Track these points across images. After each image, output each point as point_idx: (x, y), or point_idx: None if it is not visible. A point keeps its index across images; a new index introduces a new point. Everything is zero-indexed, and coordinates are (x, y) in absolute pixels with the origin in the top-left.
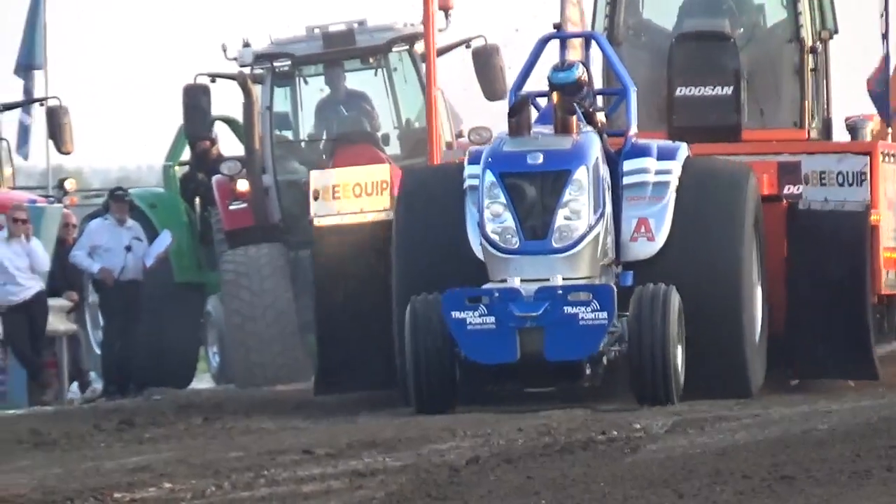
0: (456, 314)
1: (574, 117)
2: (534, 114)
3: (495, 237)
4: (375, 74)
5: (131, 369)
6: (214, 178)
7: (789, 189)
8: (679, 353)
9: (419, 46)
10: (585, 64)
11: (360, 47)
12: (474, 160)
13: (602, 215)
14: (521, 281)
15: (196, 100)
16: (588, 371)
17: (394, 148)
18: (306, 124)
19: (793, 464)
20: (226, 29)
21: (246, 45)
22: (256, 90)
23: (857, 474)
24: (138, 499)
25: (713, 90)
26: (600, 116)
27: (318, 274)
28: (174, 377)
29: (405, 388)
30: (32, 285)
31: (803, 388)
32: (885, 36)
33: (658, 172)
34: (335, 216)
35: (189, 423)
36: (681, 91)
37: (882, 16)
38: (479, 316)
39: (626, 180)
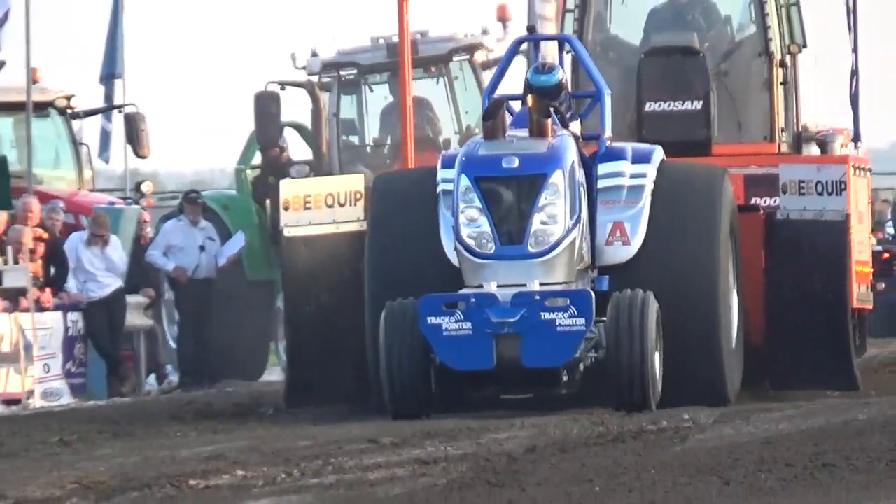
0: (432, 320)
1: (550, 120)
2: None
3: (471, 242)
4: (437, 82)
5: (205, 362)
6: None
7: (756, 201)
8: (657, 359)
9: (479, 56)
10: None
11: (423, 56)
12: (447, 164)
13: (578, 220)
14: (498, 286)
15: (266, 107)
16: (565, 378)
17: None
18: (371, 130)
19: (833, 452)
20: (295, 39)
21: (314, 54)
22: (324, 97)
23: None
24: (212, 485)
25: (682, 105)
26: (575, 124)
27: (287, 286)
28: (246, 370)
29: (380, 395)
30: (111, 283)
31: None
32: (854, 50)
33: (633, 176)
34: (306, 227)
35: (260, 413)
36: (650, 106)
37: (850, 31)
38: (455, 322)
39: (600, 184)
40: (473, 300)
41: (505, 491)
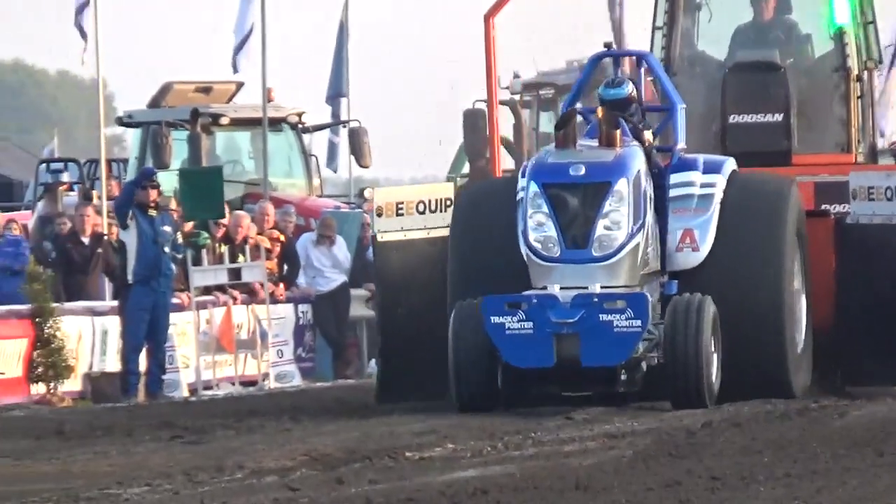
0: (495, 319)
1: (618, 131)
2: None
3: (537, 245)
4: None
5: None
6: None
7: (824, 207)
8: (714, 360)
9: None
10: (636, 82)
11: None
12: (525, 173)
13: (642, 226)
14: (561, 288)
15: (474, 122)
16: (624, 377)
17: None
18: None
19: None
20: (500, 62)
21: (516, 76)
22: (525, 114)
23: None
24: (426, 457)
25: (764, 117)
26: (648, 133)
27: (381, 289)
28: None
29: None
30: (337, 278)
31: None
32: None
33: (703, 185)
34: (399, 232)
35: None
36: (734, 118)
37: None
38: (518, 321)
39: (672, 193)
40: (535, 301)
41: (684, 462)
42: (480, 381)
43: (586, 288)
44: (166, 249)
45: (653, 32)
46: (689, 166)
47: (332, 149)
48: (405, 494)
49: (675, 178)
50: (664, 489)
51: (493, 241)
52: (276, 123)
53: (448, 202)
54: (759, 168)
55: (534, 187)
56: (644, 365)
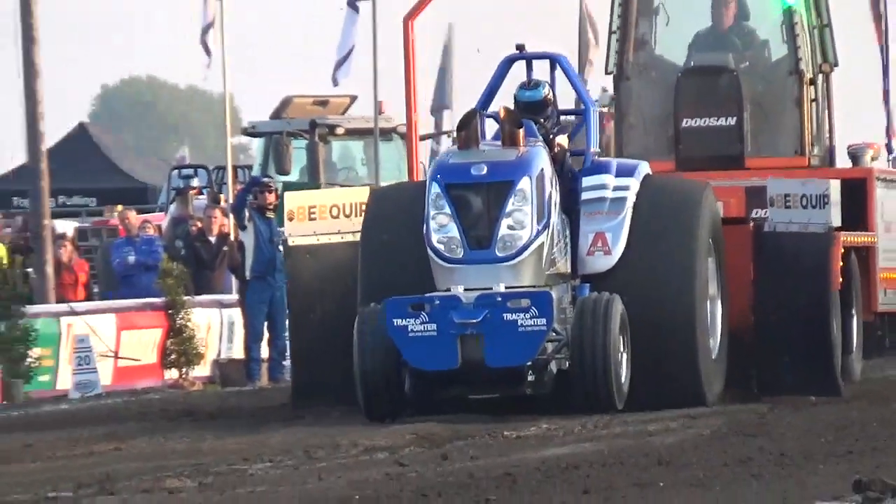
0: (398, 321)
1: (521, 130)
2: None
3: (440, 247)
4: None
5: None
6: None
7: (758, 212)
8: (623, 360)
9: None
10: (551, 84)
11: None
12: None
13: (547, 226)
14: (466, 290)
15: None
16: (532, 378)
17: None
18: None
19: None
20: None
21: (604, 90)
22: None
23: None
24: (522, 436)
25: (717, 121)
26: (563, 138)
27: (291, 293)
28: None
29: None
30: None
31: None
32: (885, 70)
33: (616, 189)
34: (311, 237)
35: None
36: (687, 122)
37: (882, 50)
38: (421, 323)
39: (584, 196)
40: (438, 302)
41: (755, 440)
42: (386, 387)
43: (490, 288)
44: (281, 248)
45: (609, 37)
46: (601, 169)
47: (434, 157)
48: (503, 469)
49: (587, 182)
50: (737, 465)
51: (402, 244)
52: (386, 133)
53: (363, 207)
54: (712, 172)
55: (436, 188)
56: (553, 367)
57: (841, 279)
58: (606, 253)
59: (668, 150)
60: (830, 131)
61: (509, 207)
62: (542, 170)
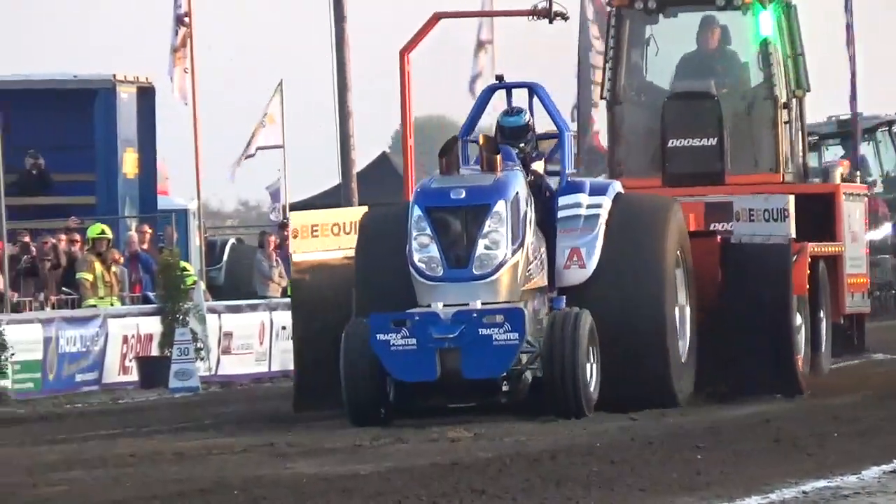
0: (381, 336)
1: (498, 156)
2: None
3: (422, 265)
4: (868, 144)
5: None
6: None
7: (716, 226)
8: (591, 371)
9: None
10: (531, 111)
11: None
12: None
13: (521, 245)
14: (444, 306)
15: None
16: (506, 388)
17: None
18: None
19: None
20: None
21: None
22: None
23: None
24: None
25: (700, 141)
26: (539, 164)
27: (296, 305)
28: None
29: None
30: None
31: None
32: (852, 97)
33: (589, 206)
34: (314, 253)
35: None
36: (672, 143)
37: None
38: (402, 338)
39: (560, 214)
40: (418, 318)
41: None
42: (370, 395)
43: (468, 304)
44: None
45: (604, 65)
46: (576, 189)
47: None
48: None
49: (563, 201)
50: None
51: (391, 263)
52: None
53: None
54: (694, 188)
55: (417, 211)
56: (528, 375)
57: (809, 286)
58: (581, 266)
59: (656, 167)
60: (803, 150)
61: (486, 229)
62: (517, 193)
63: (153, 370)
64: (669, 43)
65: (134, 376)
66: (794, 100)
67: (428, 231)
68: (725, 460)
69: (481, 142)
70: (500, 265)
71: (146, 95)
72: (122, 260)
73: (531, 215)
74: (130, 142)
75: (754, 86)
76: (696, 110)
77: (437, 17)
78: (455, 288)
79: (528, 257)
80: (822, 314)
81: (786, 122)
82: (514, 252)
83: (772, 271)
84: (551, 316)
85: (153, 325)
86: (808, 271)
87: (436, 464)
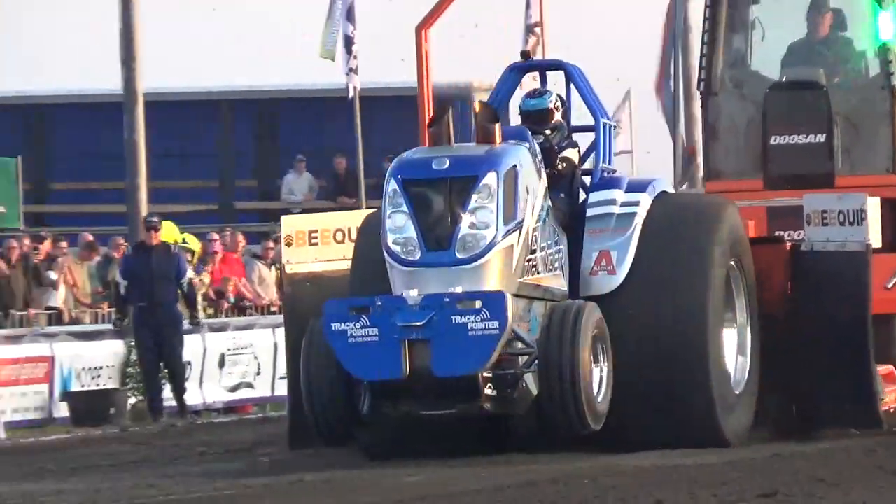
0: (336, 326)
1: (497, 125)
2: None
3: (396, 249)
4: None
5: None
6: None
7: (782, 233)
8: (596, 373)
9: None
10: (561, 96)
11: None
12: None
13: (519, 227)
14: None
15: None
16: (492, 392)
17: None
18: None
19: None
20: None
21: None
22: None
23: None
24: None
25: (806, 138)
26: (572, 151)
27: (290, 325)
28: None
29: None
30: None
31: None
32: None
33: (624, 204)
34: (312, 263)
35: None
36: (775, 139)
37: None
38: (361, 328)
39: (589, 212)
40: (380, 304)
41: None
42: (335, 403)
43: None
44: None
45: (701, 52)
46: (610, 185)
47: None
48: None
49: (594, 197)
50: None
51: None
52: None
53: None
54: (801, 191)
55: (393, 185)
56: (533, 385)
57: None
58: (611, 272)
59: (757, 168)
60: None
61: (472, 204)
62: (515, 167)
63: None
64: (779, 27)
65: None
66: None
67: (404, 208)
68: None
69: (477, 108)
70: (489, 248)
71: None
72: None
73: (540, 199)
74: None
75: (873, 76)
76: (803, 102)
77: None
78: (434, 274)
79: (528, 244)
80: None
81: None
82: (507, 234)
83: (848, 283)
84: (549, 308)
85: None
86: None
87: None
